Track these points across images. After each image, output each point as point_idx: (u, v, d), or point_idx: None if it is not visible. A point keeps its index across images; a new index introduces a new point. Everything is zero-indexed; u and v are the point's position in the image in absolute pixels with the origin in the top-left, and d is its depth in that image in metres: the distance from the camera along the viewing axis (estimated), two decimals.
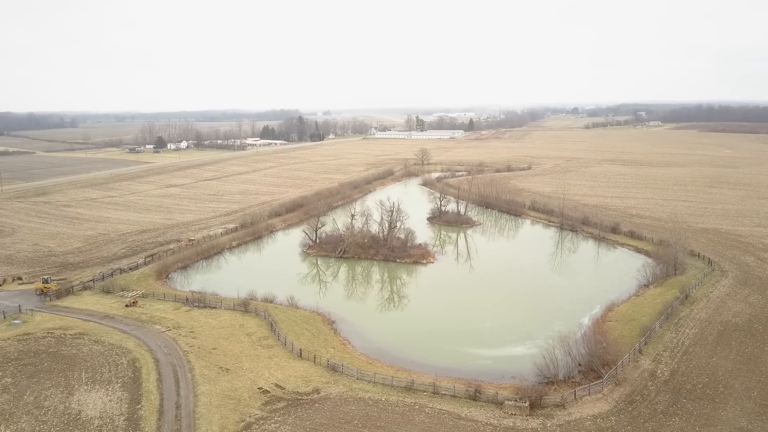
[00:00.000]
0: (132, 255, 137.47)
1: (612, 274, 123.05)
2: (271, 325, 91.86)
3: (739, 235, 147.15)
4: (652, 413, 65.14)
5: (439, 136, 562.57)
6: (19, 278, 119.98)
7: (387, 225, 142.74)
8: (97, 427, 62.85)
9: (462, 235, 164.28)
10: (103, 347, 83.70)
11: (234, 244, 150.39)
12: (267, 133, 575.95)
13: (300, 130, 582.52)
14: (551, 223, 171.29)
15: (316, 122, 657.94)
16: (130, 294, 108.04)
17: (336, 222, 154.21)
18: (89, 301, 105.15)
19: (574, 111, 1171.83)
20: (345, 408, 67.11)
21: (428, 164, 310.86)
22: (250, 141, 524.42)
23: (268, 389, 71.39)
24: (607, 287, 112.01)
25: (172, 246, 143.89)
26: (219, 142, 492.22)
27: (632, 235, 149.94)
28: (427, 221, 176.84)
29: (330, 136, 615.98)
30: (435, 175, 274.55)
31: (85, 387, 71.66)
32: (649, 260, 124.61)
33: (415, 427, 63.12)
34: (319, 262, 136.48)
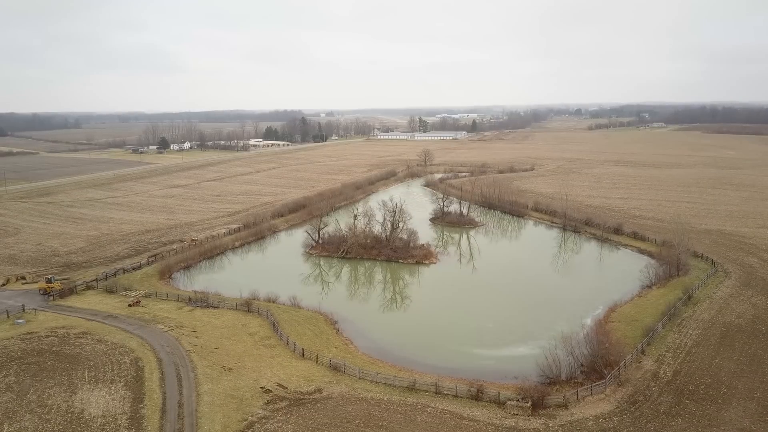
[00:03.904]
0: (135, 255, 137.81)
1: (615, 274, 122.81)
2: (274, 324, 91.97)
3: (743, 237, 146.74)
4: (655, 414, 65.01)
5: (441, 137, 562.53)
6: (23, 278, 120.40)
7: (390, 225, 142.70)
8: (99, 425, 62.99)
9: (465, 235, 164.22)
10: (106, 346, 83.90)
11: (237, 244, 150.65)
12: (270, 134, 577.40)
13: (303, 131, 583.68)
14: (554, 224, 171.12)
15: (319, 123, 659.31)
16: (133, 294, 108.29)
17: (339, 222, 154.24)
18: (92, 301, 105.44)
19: (577, 112, 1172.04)
20: (347, 407, 67.13)
21: (431, 165, 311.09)
22: (253, 142, 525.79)
23: (270, 389, 71.45)
24: (610, 288, 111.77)
25: (175, 246, 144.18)
26: (222, 143, 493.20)
27: (635, 236, 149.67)
28: (429, 222, 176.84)
29: (333, 137, 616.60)
30: (438, 176, 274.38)
31: (88, 386, 71.83)
32: (652, 261, 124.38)
33: (418, 426, 63.11)
34: (321, 263, 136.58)
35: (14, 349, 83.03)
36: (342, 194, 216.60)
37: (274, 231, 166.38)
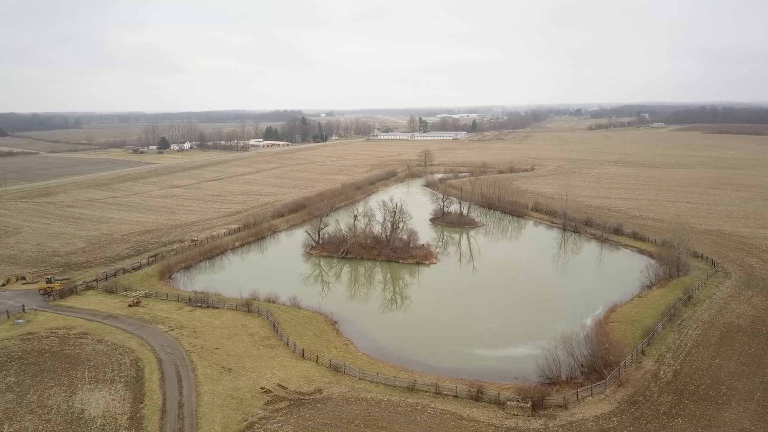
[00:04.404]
0: (135, 255, 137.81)
1: (615, 275, 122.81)
2: (274, 325, 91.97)
3: (743, 237, 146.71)
4: (655, 414, 65.01)
5: (442, 137, 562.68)
6: (23, 278, 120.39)
7: (390, 226, 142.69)
8: (99, 426, 63.00)
9: (465, 236, 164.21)
10: (106, 347, 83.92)
11: (237, 244, 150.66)
12: (270, 134, 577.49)
13: (303, 131, 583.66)
14: (554, 225, 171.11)
15: (319, 123, 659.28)
16: (134, 294, 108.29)
17: (339, 223, 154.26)
18: (92, 301, 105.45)
19: (578, 112, 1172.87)
20: (347, 408, 67.15)
21: (431, 165, 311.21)
22: (253, 142, 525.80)
23: (270, 389, 71.46)
24: (610, 288, 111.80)
25: (175, 246, 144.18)
26: (222, 143, 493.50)
27: (635, 236, 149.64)
28: (429, 222, 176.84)
29: (333, 138, 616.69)
30: (438, 176, 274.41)
31: (88, 386, 71.85)
32: (652, 261, 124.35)
33: (418, 427, 63.11)
34: (321, 263, 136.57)
35: (14, 350, 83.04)
36: (342, 194, 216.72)
37: (274, 231, 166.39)
